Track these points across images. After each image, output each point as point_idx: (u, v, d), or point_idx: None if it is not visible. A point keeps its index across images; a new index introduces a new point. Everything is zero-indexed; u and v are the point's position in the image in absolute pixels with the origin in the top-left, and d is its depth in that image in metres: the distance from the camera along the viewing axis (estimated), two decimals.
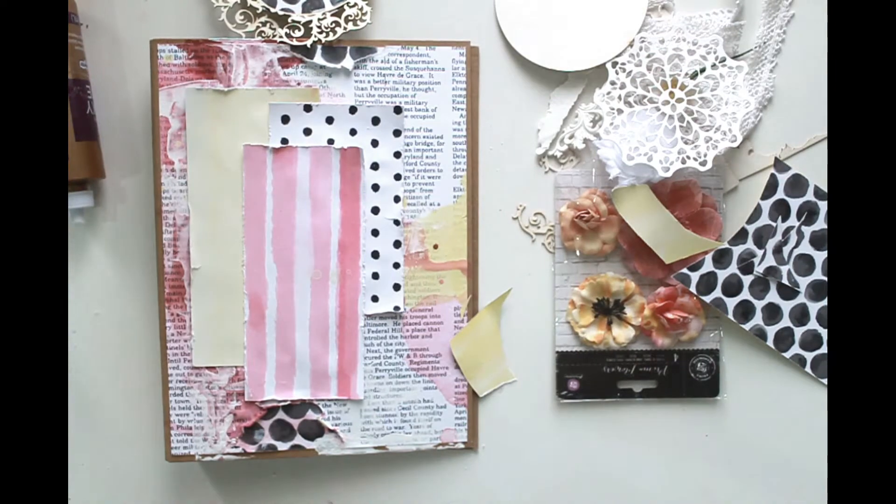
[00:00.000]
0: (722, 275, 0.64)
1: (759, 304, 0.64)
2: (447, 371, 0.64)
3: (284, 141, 0.61)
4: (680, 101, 0.60)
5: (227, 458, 0.63)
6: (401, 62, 0.62)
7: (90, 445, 0.64)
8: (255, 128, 0.61)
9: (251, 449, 0.63)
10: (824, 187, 0.64)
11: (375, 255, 0.63)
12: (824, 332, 0.65)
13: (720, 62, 0.60)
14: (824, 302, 0.64)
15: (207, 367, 0.62)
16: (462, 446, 0.65)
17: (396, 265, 0.63)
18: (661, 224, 0.61)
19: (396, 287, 0.63)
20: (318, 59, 0.61)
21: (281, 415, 0.63)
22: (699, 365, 0.65)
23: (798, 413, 0.66)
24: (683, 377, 0.65)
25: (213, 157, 0.61)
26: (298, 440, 0.63)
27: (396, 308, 0.63)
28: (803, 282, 0.64)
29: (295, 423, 0.63)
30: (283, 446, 0.63)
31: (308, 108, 0.61)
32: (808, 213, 0.64)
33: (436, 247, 0.63)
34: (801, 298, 0.65)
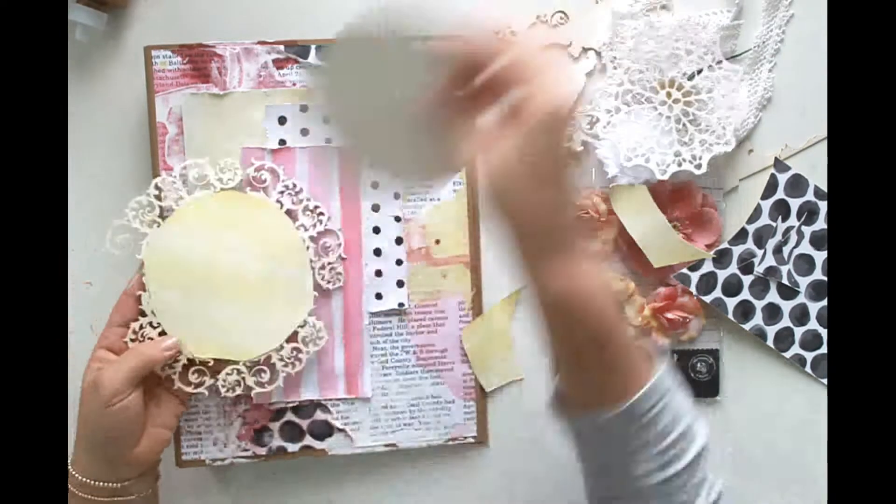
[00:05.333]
0: (722, 275, 0.64)
1: (759, 304, 0.64)
2: (454, 366, 0.64)
3: (282, 142, 0.61)
4: (677, 101, 0.60)
5: (238, 461, 0.63)
6: None
7: None
8: (252, 130, 0.61)
9: (261, 451, 0.63)
10: (824, 187, 0.64)
11: (377, 252, 0.63)
12: (824, 332, 0.65)
13: (717, 64, 0.60)
14: (824, 302, 0.64)
15: None
16: (473, 441, 0.65)
17: (399, 262, 0.63)
18: (654, 227, 0.61)
19: (400, 284, 0.63)
20: (313, 58, 0.61)
21: (290, 416, 0.63)
22: (699, 365, 0.65)
23: (798, 413, 0.66)
24: (683, 377, 0.65)
25: (212, 161, 0.60)
26: (308, 441, 0.63)
27: (401, 305, 0.63)
28: (803, 282, 0.64)
29: (304, 423, 0.63)
30: (292, 447, 0.63)
31: (304, 109, 0.61)
32: (808, 213, 0.64)
33: (437, 242, 0.63)
34: (801, 298, 0.64)
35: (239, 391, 0.60)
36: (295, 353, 0.60)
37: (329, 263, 0.61)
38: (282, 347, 0.60)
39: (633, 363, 0.49)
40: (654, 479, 0.47)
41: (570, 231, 0.46)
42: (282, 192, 0.61)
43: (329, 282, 0.61)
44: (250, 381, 0.60)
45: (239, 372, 0.60)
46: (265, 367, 0.60)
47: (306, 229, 0.61)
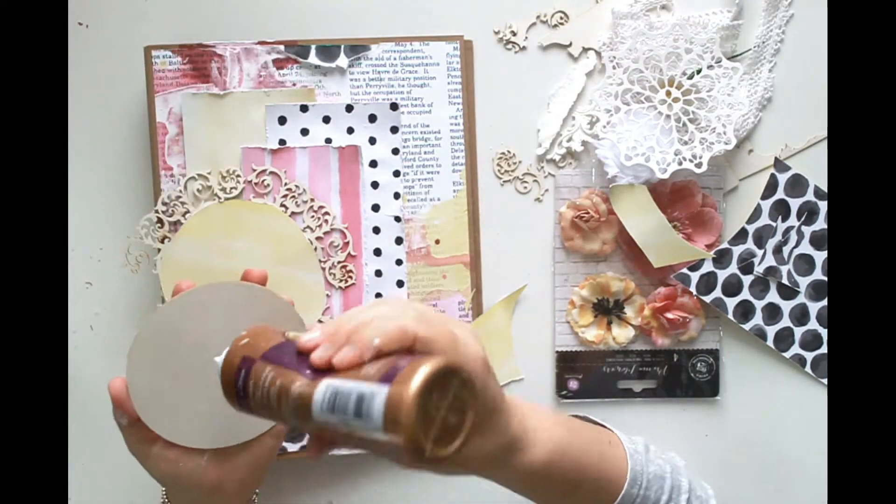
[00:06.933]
0: (722, 275, 0.64)
1: (759, 304, 0.64)
2: None
3: (282, 142, 0.61)
4: (676, 100, 0.60)
5: None
6: (395, 58, 0.62)
7: (90, 446, 0.64)
8: (252, 130, 0.61)
9: None
10: (824, 187, 0.64)
11: (378, 252, 0.63)
12: (824, 332, 0.64)
13: (716, 62, 0.60)
14: (824, 302, 0.64)
15: None
16: None
17: (399, 262, 0.63)
18: (654, 227, 0.61)
19: (400, 284, 0.63)
20: (313, 58, 0.61)
21: None
22: (699, 365, 0.65)
23: (798, 413, 0.66)
24: (683, 377, 0.65)
25: (212, 161, 0.61)
26: (308, 440, 0.63)
27: None
28: (803, 282, 0.64)
29: None
30: (292, 447, 0.63)
31: (304, 109, 0.61)
32: (808, 213, 0.64)
33: (437, 242, 0.63)
34: (801, 298, 0.64)
35: None
36: None
37: (339, 262, 0.62)
38: None
39: (603, 477, 0.52)
40: None
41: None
42: (285, 196, 0.61)
43: (342, 280, 0.62)
44: None
45: None
46: None
47: (312, 230, 0.61)
